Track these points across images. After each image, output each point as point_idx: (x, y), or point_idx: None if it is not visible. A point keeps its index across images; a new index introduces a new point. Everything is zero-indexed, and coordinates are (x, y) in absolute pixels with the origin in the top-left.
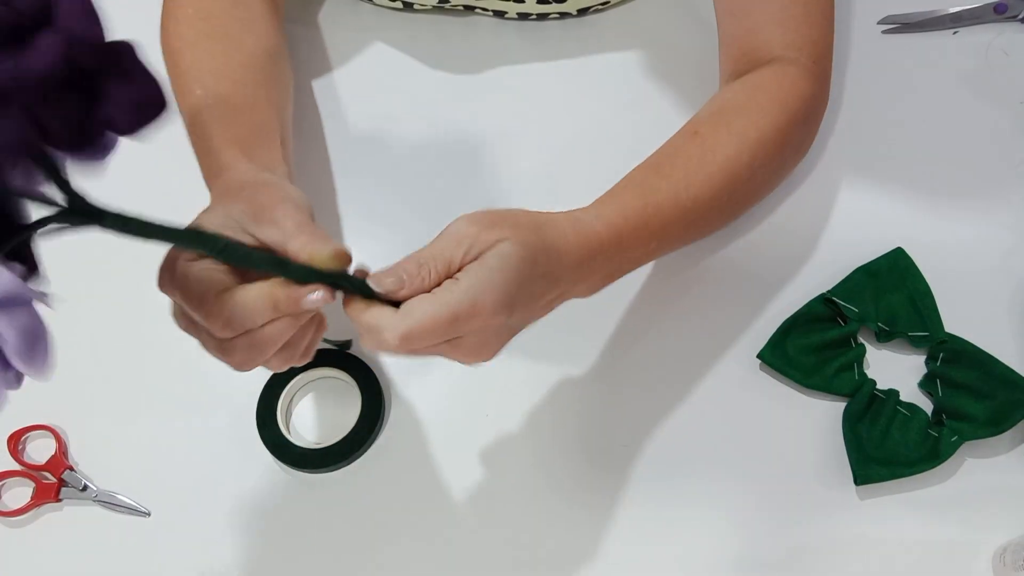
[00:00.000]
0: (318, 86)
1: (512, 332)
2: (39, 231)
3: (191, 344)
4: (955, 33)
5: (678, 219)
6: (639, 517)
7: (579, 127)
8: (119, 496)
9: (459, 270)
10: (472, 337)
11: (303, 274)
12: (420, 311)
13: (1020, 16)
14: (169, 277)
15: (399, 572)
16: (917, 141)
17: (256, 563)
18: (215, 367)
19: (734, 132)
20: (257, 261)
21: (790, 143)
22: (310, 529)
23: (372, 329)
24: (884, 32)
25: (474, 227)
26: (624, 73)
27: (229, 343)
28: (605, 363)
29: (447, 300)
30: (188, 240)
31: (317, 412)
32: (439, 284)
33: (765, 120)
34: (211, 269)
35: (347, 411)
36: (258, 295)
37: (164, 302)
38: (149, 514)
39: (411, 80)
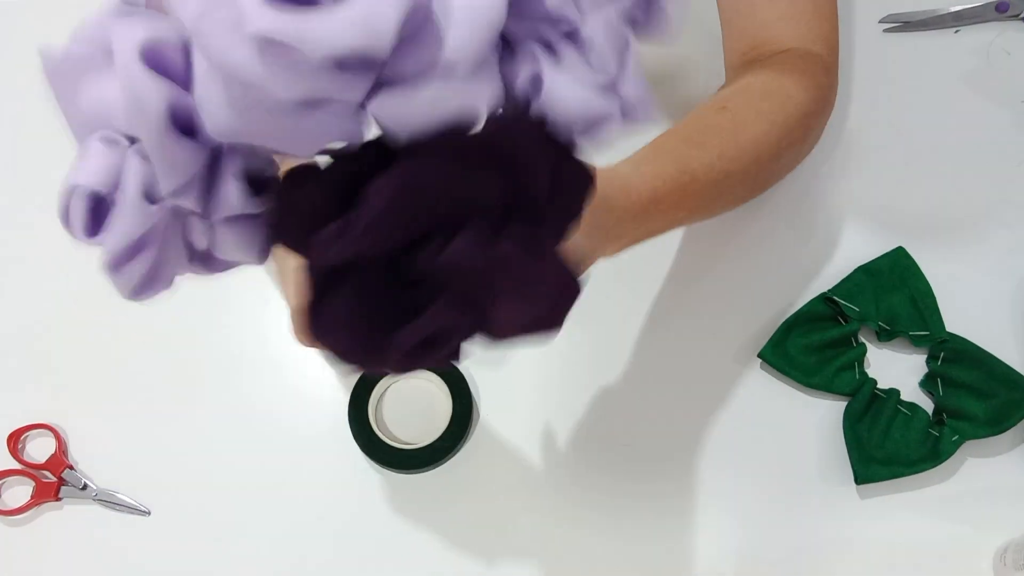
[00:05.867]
0: None
1: None
2: None
3: (191, 344)
4: (956, 32)
5: (710, 189)
6: (639, 516)
7: None
8: (119, 495)
9: None
10: None
11: None
12: None
13: (1021, 15)
14: None
15: (400, 571)
16: (918, 140)
17: (257, 562)
18: (214, 367)
19: (763, 112)
20: None
21: (812, 129)
22: (311, 530)
23: None
24: (885, 31)
25: None
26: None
27: None
28: (606, 363)
29: None
30: None
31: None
32: None
33: (791, 104)
34: None
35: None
36: None
37: (164, 302)
38: (149, 513)
39: None
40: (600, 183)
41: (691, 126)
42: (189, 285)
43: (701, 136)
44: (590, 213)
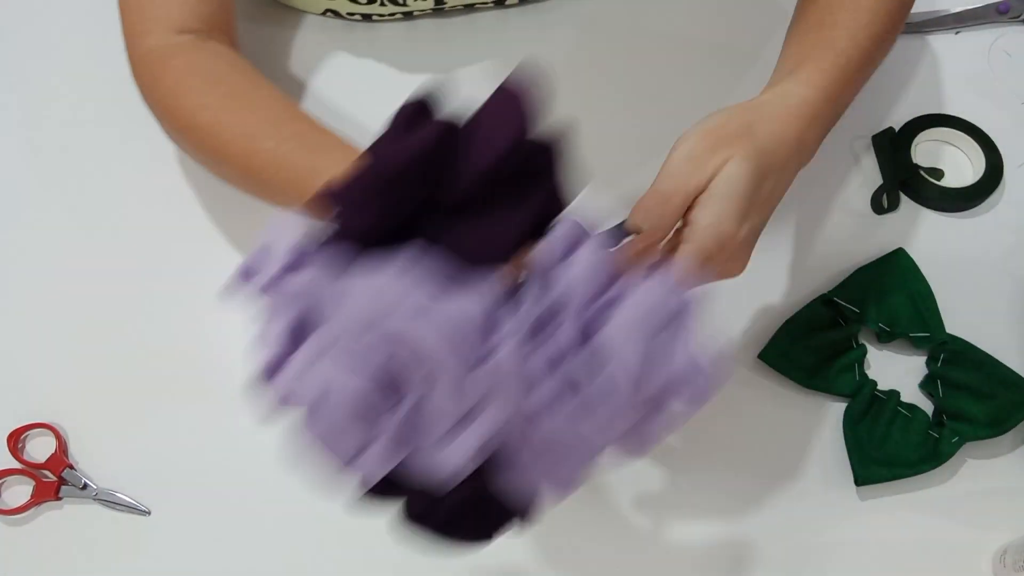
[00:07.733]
0: (330, 107)
1: (755, 235)
2: None
3: (192, 342)
4: (957, 33)
5: (862, 60)
6: (637, 517)
7: (592, 114)
8: (119, 494)
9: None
10: (723, 261)
11: None
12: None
13: (1022, 16)
14: None
15: (399, 571)
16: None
17: (258, 563)
18: (215, 366)
19: None
20: None
21: None
22: (312, 529)
23: None
24: None
25: (701, 148)
26: (633, 54)
27: None
28: None
29: (696, 246)
30: None
31: None
32: (681, 214)
33: None
34: None
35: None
36: None
37: (165, 301)
38: (149, 513)
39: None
40: (765, 129)
41: (815, 10)
42: (189, 285)
43: (831, 16)
44: (762, 168)
